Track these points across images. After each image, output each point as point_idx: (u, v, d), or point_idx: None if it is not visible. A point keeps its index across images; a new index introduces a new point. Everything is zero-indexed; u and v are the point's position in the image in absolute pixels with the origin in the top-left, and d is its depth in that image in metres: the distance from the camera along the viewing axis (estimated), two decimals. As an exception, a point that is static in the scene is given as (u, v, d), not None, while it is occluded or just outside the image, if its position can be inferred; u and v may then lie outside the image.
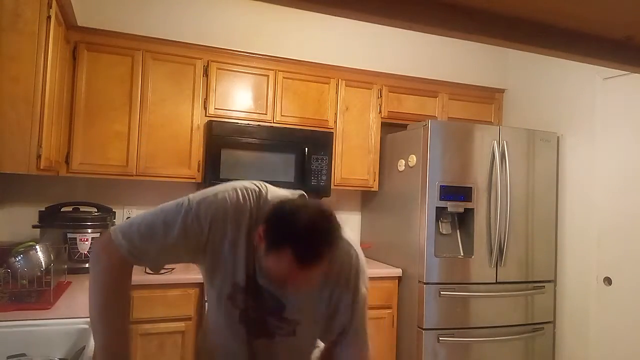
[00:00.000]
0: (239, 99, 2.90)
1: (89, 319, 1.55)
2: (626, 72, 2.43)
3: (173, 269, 2.54)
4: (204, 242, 1.08)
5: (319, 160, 2.96)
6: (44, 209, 2.53)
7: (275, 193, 1.13)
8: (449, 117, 3.43)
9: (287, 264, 0.95)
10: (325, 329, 1.19)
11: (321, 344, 1.31)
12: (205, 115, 2.82)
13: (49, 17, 1.90)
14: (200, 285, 2.50)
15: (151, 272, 2.41)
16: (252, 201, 1.09)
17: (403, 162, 3.02)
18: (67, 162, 2.55)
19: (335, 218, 1.00)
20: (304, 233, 0.94)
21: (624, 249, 2.73)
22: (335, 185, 3.09)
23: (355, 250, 1.17)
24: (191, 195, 1.11)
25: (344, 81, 3.15)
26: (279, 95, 2.98)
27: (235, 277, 1.11)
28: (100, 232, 2.54)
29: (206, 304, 1.32)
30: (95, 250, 1.14)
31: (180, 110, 2.77)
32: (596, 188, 2.91)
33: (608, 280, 2.81)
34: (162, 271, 2.49)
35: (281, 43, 3.07)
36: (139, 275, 2.45)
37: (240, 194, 1.09)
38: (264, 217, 1.02)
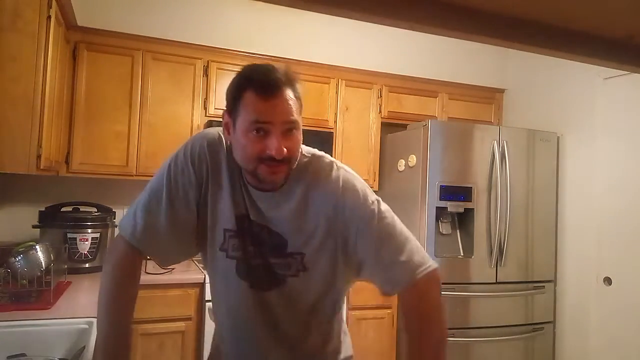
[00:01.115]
0: (239, 99, 2.90)
1: (89, 319, 1.56)
2: (626, 72, 2.43)
3: (173, 268, 2.54)
4: (196, 192, 1.07)
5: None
6: (44, 209, 2.53)
7: None
8: (449, 117, 3.43)
9: (252, 107, 0.96)
10: (344, 259, 1.08)
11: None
12: (205, 115, 2.82)
13: (49, 17, 1.90)
14: (200, 285, 2.50)
15: (160, 267, 2.42)
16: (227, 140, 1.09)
17: (403, 162, 3.02)
18: (67, 162, 2.55)
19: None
20: (258, 69, 1.00)
21: (624, 249, 2.73)
22: (335, 185, 3.09)
23: (340, 172, 1.09)
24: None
25: (344, 81, 3.15)
26: (279, 95, 2.98)
27: (225, 223, 1.08)
28: (100, 233, 2.54)
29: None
30: (108, 250, 1.19)
31: (180, 110, 2.77)
32: (596, 188, 2.91)
33: (608, 280, 2.81)
34: (162, 271, 2.49)
35: (281, 43, 3.07)
36: (139, 275, 2.45)
37: (213, 134, 1.11)
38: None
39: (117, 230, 2.92)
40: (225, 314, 1.16)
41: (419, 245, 1.10)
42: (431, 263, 1.05)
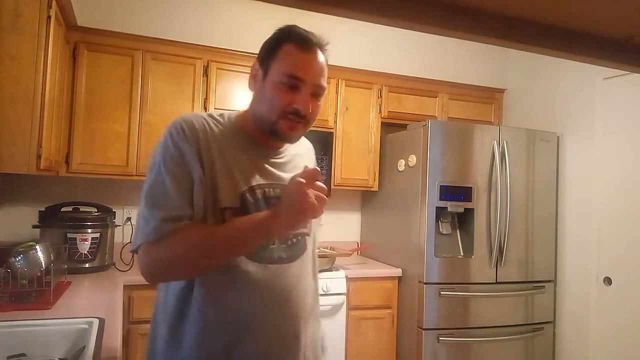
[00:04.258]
0: (239, 99, 2.90)
1: (89, 319, 1.56)
2: (626, 72, 2.43)
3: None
4: (198, 169, 1.00)
5: (319, 160, 2.95)
6: (44, 209, 2.53)
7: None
8: (449, 117, 3.43)
9: (290, 58, 1.02)
10: None
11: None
12: (205, 115, 2.82)
13: (49, 17, 1.90)
14: (200, 285, 2.50)
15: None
16: (201, 118, 1.08)
17: (403, 162, 3.02)
18: (67, 162, 2.55)
19: None
20: (298, 28, 1.06)
21: (624, 249, 2.73)
22: (335, 185, 3.09)
23: None
24: (152, 160, 1.06)
25: (344, 81, 3.15)
26: (279, 95, 2.98)
27: (223, 202, 1.01)
28: (100, 232, 2.53)
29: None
30: (147, 270, 1.05)
31: (180, 110, 2.76)
32: (596, 188, 2.91)
33: (608, 280, 2.81)
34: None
35: (281, 43, 3.07)
36: (138, 275, 2.45)
37: (190, 115, 1.10)
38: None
39: (116, 230, 2.92)
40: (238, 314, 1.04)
41: None
42: None
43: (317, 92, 1.04)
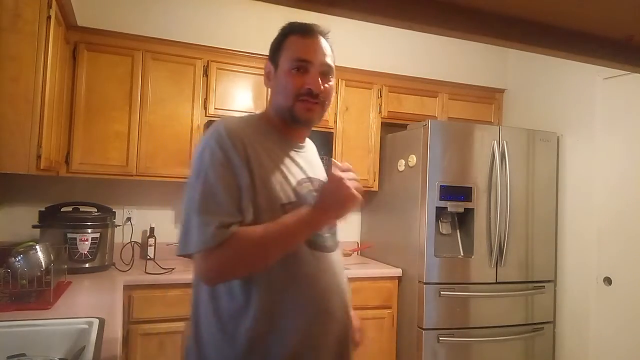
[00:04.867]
0: (239, 99, 2.90)
1: (89, 319, 1.56)
2: (626, 72, 2.43)
3: (173, 269, 2.54)
4: (246, 174, 1.02)
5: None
6: (44, 209, 2.53)
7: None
8: (449, 117, 3.43)
9: (295, 46, 1.12)
10: None
11: None
12: (205, 115, 2.82)
13: (49, 17, 1.90)
14: (200, 285, 2.50)
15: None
16: (238, 121, 1.14)
17: (403, 162, 3.02)
18: (67, 162, 2.55)
19: None
20: (298, 22, 1.16)
21: (624, 249, 2.73)
22: (335, 185, 3.09)
23: None
24: (196, 167, 1.04)
25: (344, 81, 3.15)
26: (279, 95, 2.98)
27: (280, 199, 1.05)
28: (100, 233, 2.53)
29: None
30: (208, 274, 1.03)
31: (180, 110, 2.77)
32: (596, 188, 2.91)
33: (608, 280, 2.81)
34: (162, 271, 2.49)
35: (281, 43, 3.07)
36: (139, 275, 2.46)
37: (229, 120, 1.11)
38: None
39: (117, 231, 2.92)
40: (295, 298, 1.07)
41: None
42: None
43: (326, 71, 1.14)
